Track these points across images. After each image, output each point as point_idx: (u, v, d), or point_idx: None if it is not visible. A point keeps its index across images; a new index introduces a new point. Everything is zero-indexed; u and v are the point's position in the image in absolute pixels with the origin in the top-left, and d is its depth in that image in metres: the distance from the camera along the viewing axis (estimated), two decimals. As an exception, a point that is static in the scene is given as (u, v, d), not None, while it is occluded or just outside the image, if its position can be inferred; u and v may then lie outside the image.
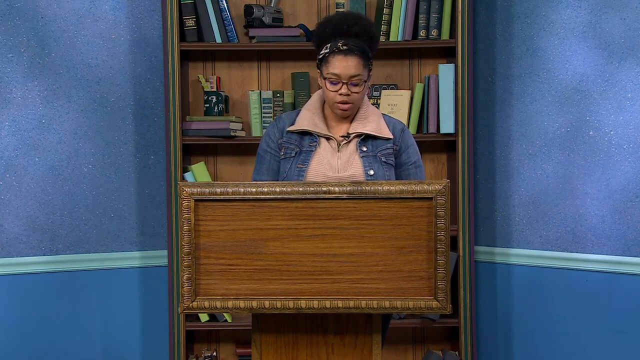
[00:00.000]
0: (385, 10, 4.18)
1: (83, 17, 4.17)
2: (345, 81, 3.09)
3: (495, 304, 4.28)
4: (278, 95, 4.24)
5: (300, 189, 2.72)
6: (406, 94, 4.24)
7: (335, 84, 3.10)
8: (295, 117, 3.23)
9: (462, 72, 4.12)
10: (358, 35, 3.11)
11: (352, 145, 3.17)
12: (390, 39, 4.19)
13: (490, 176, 4.26)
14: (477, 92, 4.29)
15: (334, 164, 3.14)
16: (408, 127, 4.21)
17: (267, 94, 4.24)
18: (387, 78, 4.33)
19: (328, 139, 3.18)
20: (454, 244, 4.18)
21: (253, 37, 4.22)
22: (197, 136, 4.15)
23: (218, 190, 2.73)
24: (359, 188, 2.71)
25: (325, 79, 3.12)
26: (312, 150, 3.16)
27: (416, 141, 4.26)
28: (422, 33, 4.19)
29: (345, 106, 3.13)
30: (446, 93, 4.17)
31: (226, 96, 4.26)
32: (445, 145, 4.33)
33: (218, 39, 4.16)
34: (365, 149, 3.16)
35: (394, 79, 4.33)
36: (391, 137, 3.19)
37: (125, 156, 4.27)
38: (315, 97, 3.25)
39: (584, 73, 3.96)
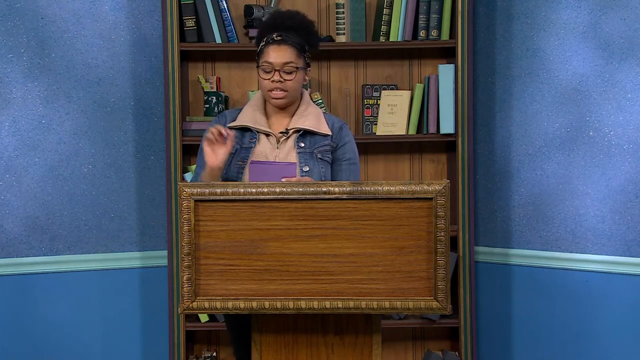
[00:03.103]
0: (385, 11, 4.18)
1: (83, 17, 4.17)
2: (277, 68, 3.14)
3: (495, 305, 4.28)
4: (278, 95, 4.24)
5: (300, 189, 2.72)
6: (406, 94, 4.24)
7: (268, 72, 3.16)
8: (237, 114, 3.27)
9: (462, 73, 4.12)
10: (294, 28, 3.19)
11: (291, 141, 3.21)
12: (390, 39, 4.19)
13: (490, 176, 4.26)
14: (477, 92, 4.29)
15: (272, 160, 3.17)
16: (408, 127, 4.23)
17: (267, 94, 4.24)
18: (387, 78, 4.33)
19: (267, 135, 3.22)
20: (453, 244, 4.18)
21: (253, 38, 4.22)
22: (197, 136, 4.15)
23: (218, 190, 2.73)
24: (359, 188, 2.71)
25: (258, 67, 3.18)
26: (252, 147, 3.20)
27: (416, 141, 4.31)
28: (422, 33, 4.19)
29: (279, 94, 3.17)
30: (446, 93, 4.17)
31: (226, 96, 4.26)
32: (445, 146, 4.33)
33: (218, 40, 4.16)
34: (302, 144, 3.20)
35: (394, 79, 4.33)
36: (329, 133, 3.23)
37: (125, 156, 4.27)
38: (258, 94, 3.30)
39: (584, 73, 3.96)
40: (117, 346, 4.29)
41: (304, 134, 3.21)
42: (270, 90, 3.17)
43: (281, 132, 3.21)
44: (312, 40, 3.23)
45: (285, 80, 3.15)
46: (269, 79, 3.16)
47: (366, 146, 4.31)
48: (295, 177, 3.02)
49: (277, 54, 3.14)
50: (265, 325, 2.86)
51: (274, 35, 3.16)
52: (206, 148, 3.06)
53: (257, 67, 3.20)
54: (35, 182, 4.14)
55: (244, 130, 3.22)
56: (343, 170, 3.24)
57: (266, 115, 3.25)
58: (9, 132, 4.10)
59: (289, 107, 3.24)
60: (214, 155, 3.06)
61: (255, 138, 3.21)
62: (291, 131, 3.21)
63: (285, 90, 3.17)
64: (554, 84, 4.05)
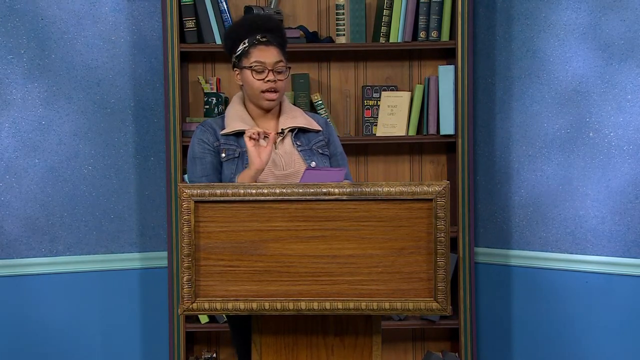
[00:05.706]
0: (385, 12, 4.18)
1: (83, 18, 4.18)
2: (270, 68, 3.14)
3: (495, 306, 4.28)
4: (278, 96, 4.24)
5: (300, 190, 2.72)
6: (406, 95, 4.24)
7: (261, 72, 3.14)
8: (222, 122, 3.23)
9: (462, 74, 4.12)
10: (272, 30, 3.20)
11: (288, 140, 3.21)
12: (390, 40, 4.19)
13: (490, 177, 4.27)
14: (477, 93, 4.29)
15: (277, 161, 3.17)
16: (408, 128, 4.23)
17: (267, 96, 4.24)
18: (387, 79, 4.33)
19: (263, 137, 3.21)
20: (453, 245, 4.18)
21: (253, 39, 4.22)
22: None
23: (218, 191, 2.73)
24: (359, 189, 2.71)
25: (249, 68, 3.15)
26: None
27: (416, 142, 4.32)
28: (422, 34, 4.19)
29: (273, 95, 3.16)
30: (446, 94, 4.17)
31: (226, 97, 4.26)
32: (445, 147, 4.34)
33: (218, 40, 4.16)
34: (299, 143, 3.21)
35: (394, 81, 4.33)
36: (320, 129, 3.26)
37: (125, 157, 4.27)
38: (236, 99, 3.27)
39: (584, 74, 3.96)
40: (117, 347, 4.29)
41: (297, 132, 3.22)
42: (264, 92, 3.16)
43: (278, 133, 3.21)
44: (284, 44, 3.24)
45: (277, 80, 3.15)
46: (262, 79, 3.14)
47: (366, 147, 4.31)
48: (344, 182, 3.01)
49: (267, 54, 3.14)
50: (265, 326, 2.86)
51: (259, 37, 3.16)
52: (251, 149, 3.03)
53: (244, 68, 3.15)
54: (35, 183, 4.14)
55: (237, 134, 3.18)
56: (339, 163, 3.28)
57: (251, 117, 3.23)
58: (9, 133, 4.10)
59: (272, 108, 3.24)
60: (259, 156, 3.04)
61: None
62: (286, 131, 3.21)
63: (277, 91, 3.17)
64: (554, 85, 4.05)
